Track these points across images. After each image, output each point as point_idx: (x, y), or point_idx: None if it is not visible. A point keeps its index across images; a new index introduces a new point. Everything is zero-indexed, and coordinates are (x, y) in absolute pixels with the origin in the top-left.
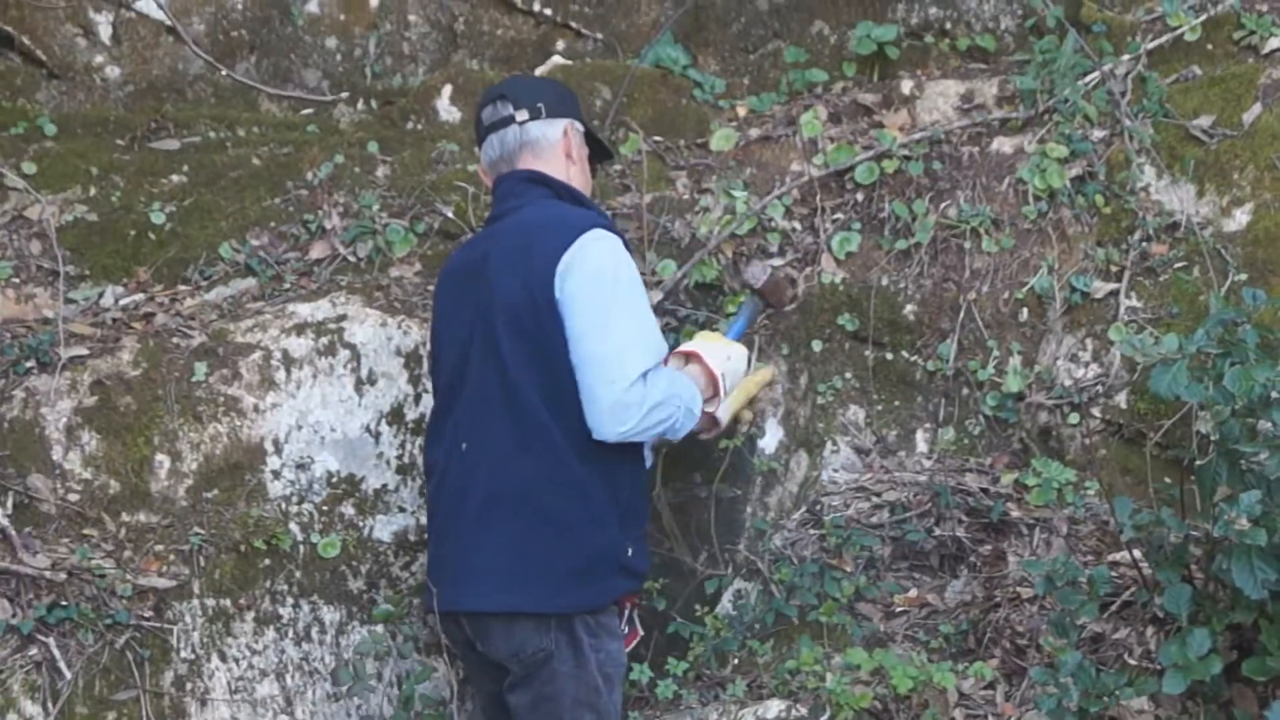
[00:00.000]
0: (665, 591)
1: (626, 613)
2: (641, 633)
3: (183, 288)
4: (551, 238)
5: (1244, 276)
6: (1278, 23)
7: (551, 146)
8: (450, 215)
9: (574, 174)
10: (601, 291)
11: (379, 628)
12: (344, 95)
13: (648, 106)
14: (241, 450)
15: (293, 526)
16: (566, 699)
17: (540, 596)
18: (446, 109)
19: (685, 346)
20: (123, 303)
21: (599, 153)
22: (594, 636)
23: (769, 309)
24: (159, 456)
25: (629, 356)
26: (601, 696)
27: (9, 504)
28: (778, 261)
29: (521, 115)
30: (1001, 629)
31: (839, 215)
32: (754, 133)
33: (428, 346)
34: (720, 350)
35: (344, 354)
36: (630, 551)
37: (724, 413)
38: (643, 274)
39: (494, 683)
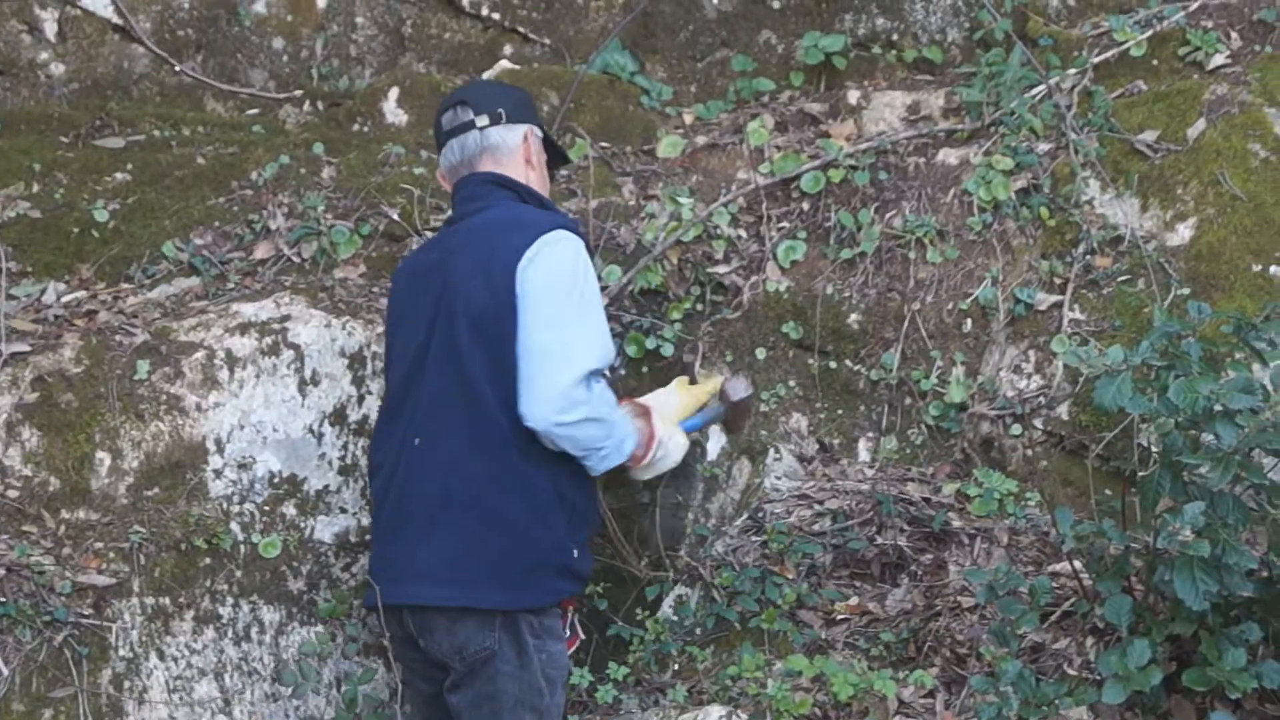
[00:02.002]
0: (607, 596)
1: (569, 616)
2: (582, 636)
3: (126, 286)
4: (514, 236)
5: (1187, 290)
6: (1222, 39)
7: (512, 152)
8: (396, 217)
9: (534, 179)
10: (558, 288)
11: (320, 628)
12: (297, 93)
13: (595, 112)
14: (183, 449)
15: (233, 526)
16: (508, 699)
17: (485, 593)
18: (393, 111)
19: (642, 400)
20: (65, 300)
21: (555, 158)
22: (538, 638)
23: (724, 424)
24: (100, 454)
25: (577, 351)
26: (544, 698)
27: None
28: (722, 269)
29: (482, 120)
30: (942, 637)
31: (785, 224)
32: (701, 140)
33: (377, 346)
34: (670, 422)
35: (287, 354)
36: (575, 554)
37: (667, 434)
38: None
39: (431, 684)
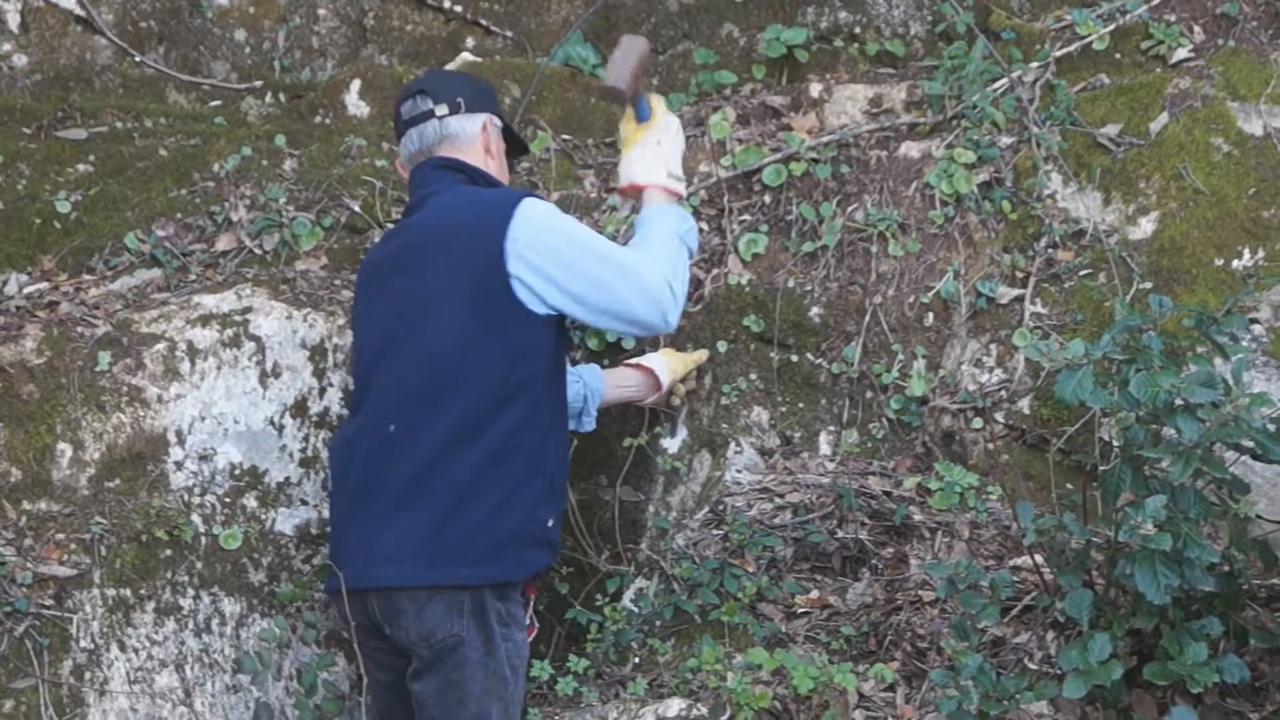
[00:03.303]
0: (567, 583)
1: (530, 605)
2: (538, 627)
3: (87, 277)
4: (489, 217)
5: (1149, 284)
6: (1185, 33)
7: (471, 140)
8: (357, 209)
9: (493, 168)
10: (570, 246)
11: (280, 617)
12: (257, 84)
13: (557, 105)
14: (144, 440)
15: (194, 518)
16: (475, 687)
17: (452, 570)
18: (355, 104)
19: (641, 360)
20: (27, 291)
21: (515, 148)
22: (504, 625)
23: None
24: (61, 445)
25: (624, 265)
26: (509, 687)
27: None
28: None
29: (441, 110)
30: (903, 631)
31: (746, 217)
32: None
33: (339, 339)
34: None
35: (249, 346)
36: (550, 523)
37: (666, 378)
38: None
39: (391, 673)
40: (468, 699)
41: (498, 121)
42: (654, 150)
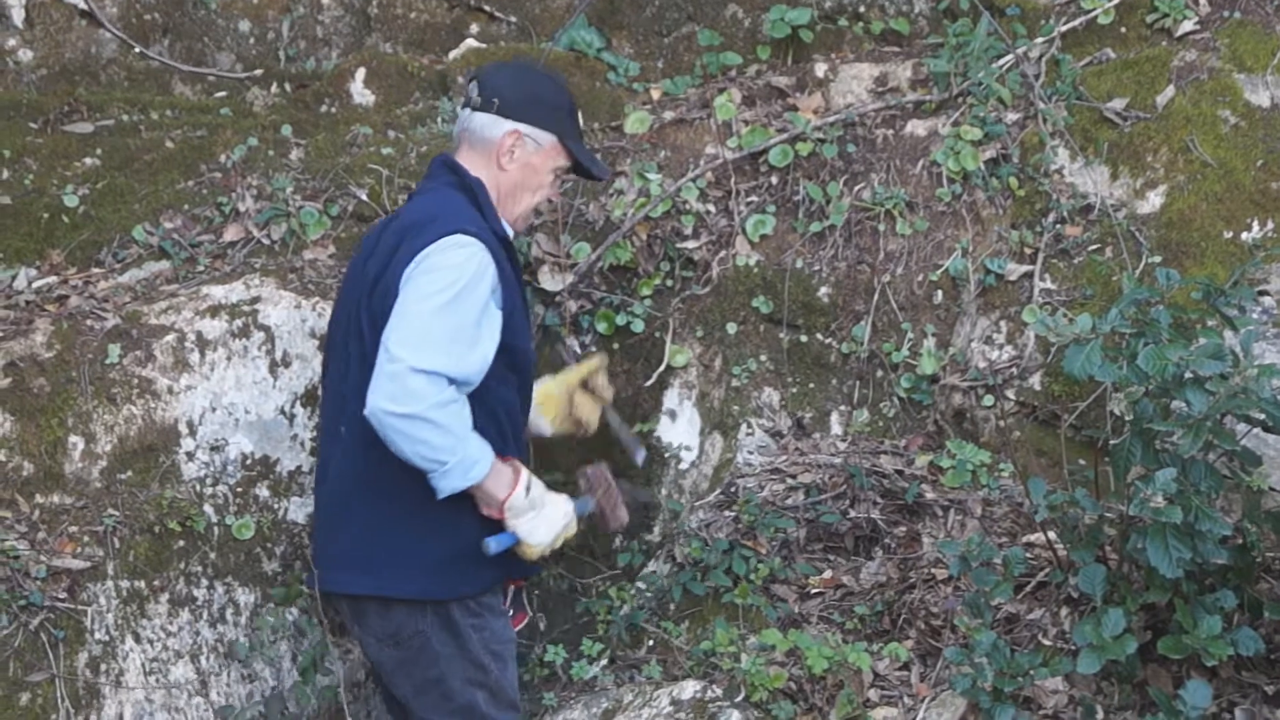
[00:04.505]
0: (575, 572)
1: (510, 593)
2: (529, 614)
3: (96, 270)
4: (419, 237)
5: (1158, 258)
6: (1191, 5)
7: (486, 145)
8: (364, 198)
9: (502, 180)
10: (428, 286)
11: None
12: (258, 73)
13: None
14: (155, 432)
15: (207, 508)
16: (455, 680)
17: (412, 583)
18: (360, 92)
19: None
20: (36, 285)
21: (580, 173)
22: (476, 616)
23: (598, 519)
24: (73, 438)
25: (430, 345)
26: (490, 674)
27: None
28: (691, 244)
29: (476, 102)
30: (916, 610)
31: (753, 198)
32: (668, 116)
33: None
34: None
35: (258, 336)
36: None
37: (544, 494)
38: (556, 256)
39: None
40: (451, 693)
41: (542, 139)
42: (558, 527)
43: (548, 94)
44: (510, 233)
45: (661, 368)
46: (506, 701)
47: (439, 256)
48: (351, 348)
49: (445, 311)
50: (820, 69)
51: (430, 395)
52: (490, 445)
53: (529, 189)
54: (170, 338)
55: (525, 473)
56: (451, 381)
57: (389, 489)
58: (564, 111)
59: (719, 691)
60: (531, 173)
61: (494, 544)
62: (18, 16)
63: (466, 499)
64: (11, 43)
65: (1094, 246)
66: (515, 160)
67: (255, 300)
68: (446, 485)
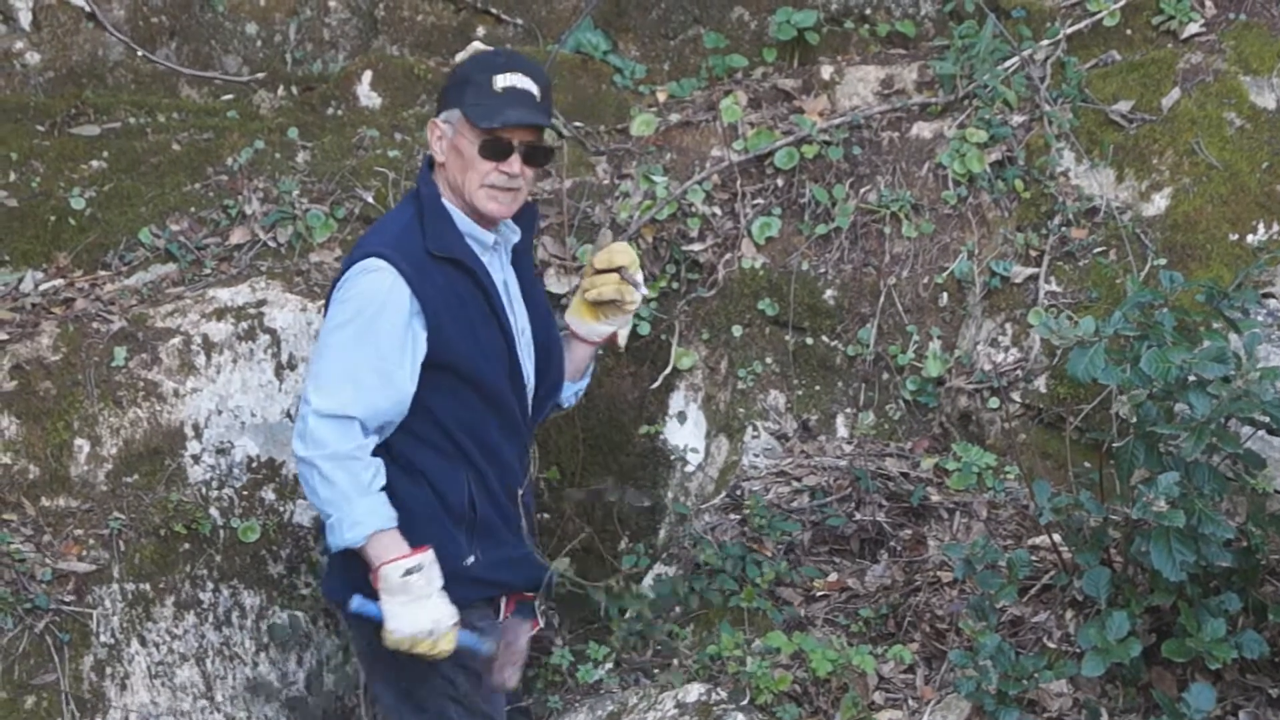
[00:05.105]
0: (584, 575)
1: (502, 608)
2: (540, 624)
3: (102, 273)
4: (349, 258)
5: (1163, 261)
6: (1196, 7)
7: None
8: (370, 200)
9: (447, 174)
10: (335, 318)
11: (299, 614)
12: (260, 75)
13: (568, 92)
14: (161, 435)
15: (213, 511)
16: (422, 690)
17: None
18: (367, 95)
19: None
20: (42, 288)
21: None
22: None
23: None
24: (78, 441)
25: (327, 383)
26: (458, 688)
27: None
28: (697, 247)
29: None
30: (921, 612)
31: (759, 200)
32: (674, 118)
33: None
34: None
35: (264, 339)
36: (470, 560)
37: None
38: (562, 259)
39: None
40: (424, 705)
41: (452, 118)
42: (422, 628)
43: (456, 75)
44: (484, 235)
45: (667, 370)
46: (486, 712)
47: (350, 284)
48: None
49: (354, 344)
50: (826, 71)
51: (329, 443)
52: (409, 505)
53: (465, 171)
54: (176, 340)
55: (420, 559)
56: (365, 424)
57: None
58: (462, 82)
59: (724, 694)
60: (457, 155)
61: (356, 602)
62: (25, 20)
63: (446, 513)
64: (19, 45)
65: (1099, 249)
66: (444, 151)
67: (261, 303)
68: (330, 539)
